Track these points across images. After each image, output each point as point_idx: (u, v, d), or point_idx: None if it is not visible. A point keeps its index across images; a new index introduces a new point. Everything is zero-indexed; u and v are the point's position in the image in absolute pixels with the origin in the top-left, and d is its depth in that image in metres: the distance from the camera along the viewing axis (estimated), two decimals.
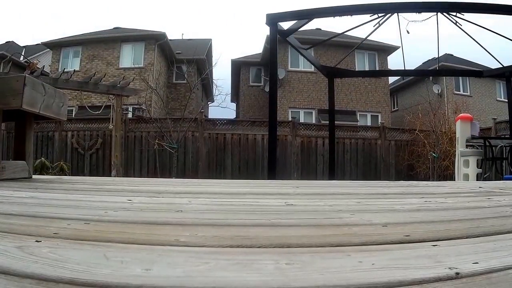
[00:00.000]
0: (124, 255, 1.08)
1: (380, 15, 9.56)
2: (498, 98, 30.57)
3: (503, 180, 8.34)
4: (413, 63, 28.93)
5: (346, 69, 18.18)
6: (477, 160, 9.40)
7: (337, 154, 18.24)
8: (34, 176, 4.40)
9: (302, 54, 12.65)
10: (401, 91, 34.94)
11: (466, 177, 9.32)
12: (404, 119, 23.26)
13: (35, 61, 14.38)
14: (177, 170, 17.09)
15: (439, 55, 32.17)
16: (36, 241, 1.19)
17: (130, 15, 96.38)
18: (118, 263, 1.00)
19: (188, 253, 1.13)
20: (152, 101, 25.95)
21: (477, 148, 9.88)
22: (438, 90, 28.68)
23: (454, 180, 10.53)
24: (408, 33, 10.55)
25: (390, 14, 9.55)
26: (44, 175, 8.27)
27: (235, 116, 35.76)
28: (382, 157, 19.39)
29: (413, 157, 18.72)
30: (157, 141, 15.47)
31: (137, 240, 1.26)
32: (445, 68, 26.14)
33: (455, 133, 17.99)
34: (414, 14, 9.32)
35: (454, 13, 9.08)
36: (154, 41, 27.77)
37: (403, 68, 14.30)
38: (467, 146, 9.82)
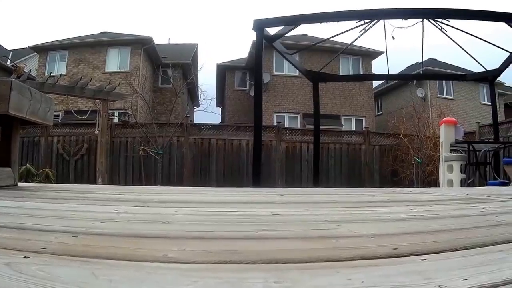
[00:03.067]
0: (112, 273, 1.07)
1: (366, 21, 9.61)
2: (481, 102, 30.90)
3: (487, 186, 8.38)
4: (397, 68, 28.97)
5: (331, 73, 18.14)
6: (461, 165, 9.42)
7: (321, 159, 18.29)
8: (19, 184, 4.36)
9: (287, 59, 12.70)
10: (385, 95, 35.08)
11: (450, 183, 9.32)
12: (388, 123, 23.21)
13: (21, 65, 14.26)
14: (162, 176, 17.06)
15: (423, 60, 32.34)
16: (25, 257, 1.18)
17: (117, 19, 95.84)
18: (106, 282, 0.99)
19: (176, 270, 1.12)
20: (138, 106, 25.87)
21: (461, 153, 9.89)
22: (422, 94, 28.81)
23: (438, 186, 10.55)
24: (394, 39, 10.58)
25: (376, 21, 9.60)
26: (29, 182, 8.19)
27: (220, 121, 35.73)
28: (366, 162, 19.48)
29: (397, 162, 18.71)
30: (142, 147, 15.30)
31: (126, 256, 1.25)
32: (429, 72, 26.25)
33: (439, 138, 18.00)
34: (400, 20, 9.36)
35: (440, 20, 9.14)
36: (140, 45, 27.82)
37: (387, 73, 14.28)
38: (451, 150, 9.83)
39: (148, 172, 17.12)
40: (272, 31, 10.26)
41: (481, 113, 29.55)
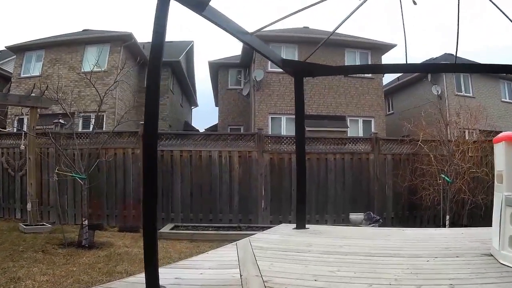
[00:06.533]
0: None
1: None
2: (503, 99, 28.35)
3: None
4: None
5: (322, 65, 13.58)
6: None
7: (318, 173, 14.86)
8: None
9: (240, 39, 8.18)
10: (397, 93, 32.32)
11: None
12: (400, 124, 19.34)
13: None
14: (116, 196, 13.85)
15: (438, 56, 29.39)
16: None
17: (103, 17, 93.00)
18: None
19: None
20: (116, 108, 23.20)
21: None
22: (438, 92, 25.35)
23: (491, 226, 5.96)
24: (415, 4, 7.31)
25: None
26: None
27: (217, 122, 33.28)
28: (376, 176, 15.53)
29: (416, 175, 14.47)
30: (56, 170, 11.78)
31: None
32: (466, 63, 22.04)
33: (467, 143, 14.02)
34: None
35: None
36: (120, 42, 25.36)
37: (405, 62, 9.72)
38: None
39: (99, 193, 13.81)
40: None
41: (502, 111, 27.26)
